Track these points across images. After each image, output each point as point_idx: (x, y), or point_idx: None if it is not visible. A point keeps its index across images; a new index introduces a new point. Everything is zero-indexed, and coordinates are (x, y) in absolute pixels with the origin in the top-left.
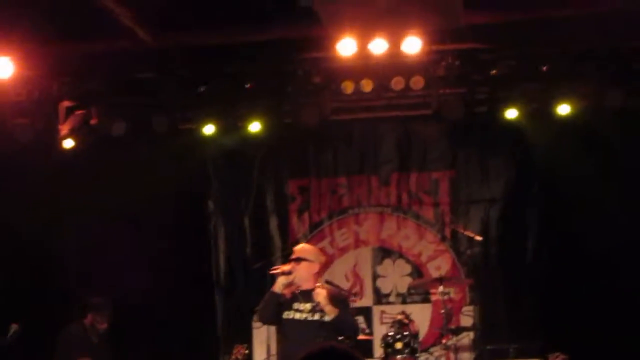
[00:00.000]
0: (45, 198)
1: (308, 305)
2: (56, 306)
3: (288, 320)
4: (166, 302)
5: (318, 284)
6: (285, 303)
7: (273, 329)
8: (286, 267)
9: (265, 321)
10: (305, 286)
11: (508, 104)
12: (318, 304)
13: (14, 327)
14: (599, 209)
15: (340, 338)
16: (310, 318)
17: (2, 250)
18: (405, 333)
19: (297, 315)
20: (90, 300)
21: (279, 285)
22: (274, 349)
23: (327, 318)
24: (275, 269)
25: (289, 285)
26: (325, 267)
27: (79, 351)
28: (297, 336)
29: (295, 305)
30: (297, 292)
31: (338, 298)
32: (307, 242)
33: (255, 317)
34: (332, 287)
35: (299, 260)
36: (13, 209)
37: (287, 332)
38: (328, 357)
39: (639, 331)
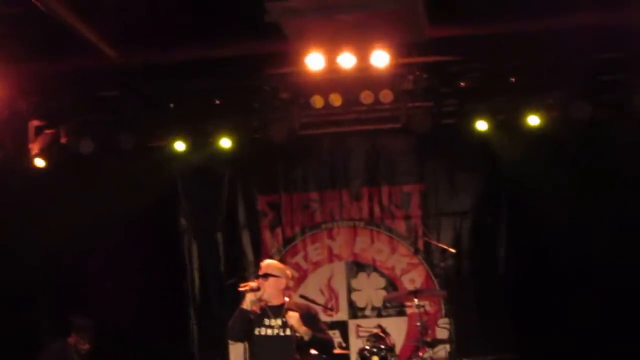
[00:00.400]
0: (16, 216)
1: (278, 321)
2: (25, 323)
3: (259, 336)
4: (140, 319)
5: (287, 301)
6: (256, 319)
7: None
8: (254, 284)
9: (235, 338)
10: (274, 302)
11: (476, 116)
12: (292, 327)
13: None
14: (568, 219)
15: (312, 352)
16: (282, 334)
17: None
18: (382, 346)
19: (269, 332)
20: (74, 320)
21: (247, 302)
22: None
23: (298, 334)
24: (243, 286)
25: (257, 301)
26: (299, 281)
27: None
28: (269, 352)
29: (266, 321)
30: (266, 307)
31: (308, 317)
32: (281, 257)
33: None
34: (303, 306)
35: (266, 276)
36: None
37: (259, 349)
38: None
39: (613, 339)
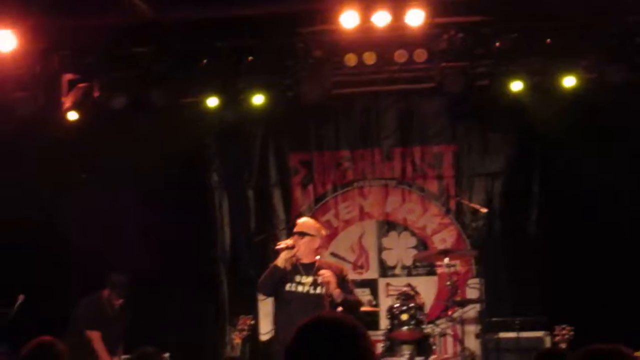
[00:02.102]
0: (48, 170)
1: (309, 279)
2: (59, 278)
3: (289, 292)
4: (171, 275)
5: (318, 259)
6: (287, 275)
7: None
8: (289, 242)
9: (267, 293)
10: (306, 260)
11: (510, 77)
12: (326, 287)
13: (20, 297)
14: (601, 181)
15: (339, 309)
16: (312, 292)
17: (9, 224)
18: (411, 305)
19: (300, 288)
20: (109, 275)
21: (281, 260)
22: None
23: (329, 294)
24: (280, 245)
25: (290, 258)
26: (330, 239)
27: (90, 324)
28: (298, 308)
29: (297, 278)
30: (298, 264)
31: (340, 278)
32: (312, 214)
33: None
34: (334, 267)
35: (302, 234)
36: (17, 182)
37: (288, 304)
38: (324, 327)
39: None
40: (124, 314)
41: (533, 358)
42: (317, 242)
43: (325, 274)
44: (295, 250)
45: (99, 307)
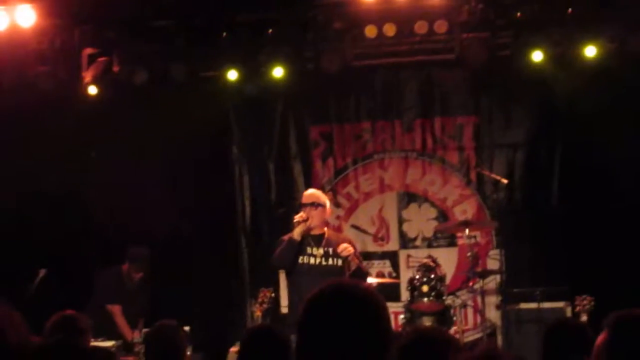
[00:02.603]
0: (69, 145)
1: (320, 250)
2: (85, 250)
3: (302, 265)
4: (192, 249)
5: (329, 234)
6: (299, 248)
7: None
8: (303, 214)
9: (286, 266)
10: (317, 231)
11: (531, 48)
12: (346, 258)
13: (42, 271)
14: (623, 152)
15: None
16: (324, 263)
17: (31, 198)
18: (432, 276)
19: (312, 260)
20: (130, 249)
21: (298, 233)
22: None
23: (340, 264)
24: (297, 218)
25: (304, 231)
26: (350, 211)
27: (111, 298)
28: (311, 280)
29: (308, 250)
30: (308, 236)
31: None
32: (332, 187)
33: None
34: (342, 238)
35: (315, 205)
36: (38, 157)
37: (301, 276)
38: (340, 294)
39: None
40: (144, 288)
41: (545, 330)
42: (327, 213)
43: (347, 248)
44: (309, 222)
45: (119, 281)
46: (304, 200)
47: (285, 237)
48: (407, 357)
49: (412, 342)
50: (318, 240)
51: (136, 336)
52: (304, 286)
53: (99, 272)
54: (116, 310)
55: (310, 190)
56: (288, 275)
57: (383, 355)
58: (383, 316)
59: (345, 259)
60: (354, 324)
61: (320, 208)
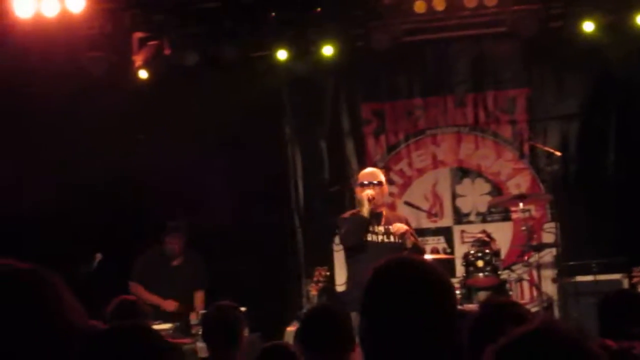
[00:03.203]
0: (121, 129)
1: (381, 228)
2: (136, 234)
3: (366, 242)
4: (247, 227)
5: (387, 212)
6: None
7: None
8: (371, 193)
9: (354, 244)
10: (378, 209)
11: (583, 18)
12: (403, 235)
13: (98, 256)
14: None
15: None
16: (386, 240)
17: (83, 182)
18: (487, 251)
19: (374, 238)
20: (168, 223)
21: (367, 210)
22: None
23: (401, 241)
24: (368, 196)
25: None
26: (404, 188)
27: (134, 276)
28: (373, 258)
29: (370, 228)
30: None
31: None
32: (385, 164)
33: (337, 241)
34: (399, 216)
35: (380, 183)
36: (90, 142)
37: (364, 254)
38: (407, 266)
39: None
40: (191, 261)
41: (601, 301)
42: (385, 191)
43: (400, 227)
44: (375, 200)
45: (148, 260)
46: (367, 178)
47: (346, 215)
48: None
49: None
50: (378, 218)
51: (193, 318)
52: (366, 263)
53: (143, 252)
54: (134, 288)
55: (370, 169)
56: (350, 253)
57: (450, 330)
58: (449, 290)
59: (402, 237)
60: (420, 297)
61: (383, 186)
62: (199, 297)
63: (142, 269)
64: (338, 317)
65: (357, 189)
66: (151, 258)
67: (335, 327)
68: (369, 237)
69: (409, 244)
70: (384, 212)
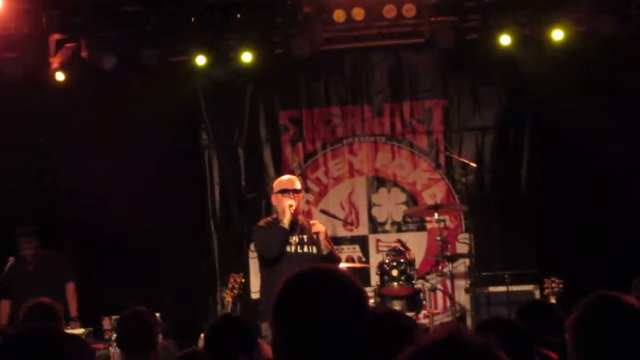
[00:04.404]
0: (37, 131)
1: (295, 238)
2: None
3: (282, 253)
4: (163, 234)
5: (302, 221)
6: None
7: None
8: (292, 201)
9: (273, 256)
10: (295, 218)
11: (500, 31)
12: (317, 240)
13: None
14: (591, 135)
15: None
16: (299, 250)
17: None
18: (402, 261)
19: (288, 248)
20: (15, 229)
21: (288, 220)
22: None
23: (315, 251)
24: (289, 205)
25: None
26: (320, 196)
27: (12, 287)
28: (287, 268)
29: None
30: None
31: (325, 233)
32: (302, 172)
33: (252, 247)
34: (316, 223)
35: (298, 191)
36: (5, 143)
37: (279, 265)
38: (316, 278)
39: (631, 254)
40: (44, 265)
41: (516, 310)
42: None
43: (319, 227)
44: (296, 209)
45: (10, 270)
46: (286, 185)
47: (261, 224)
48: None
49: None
50: (293, 227)
51: (106, 323)
52: (279, 274)
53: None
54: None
55: (288, 176)
56: (264, 263)
57: (363, 338)
58: (361, 298)
59: (318, 246)
60: (331, 306)
61: (301, 194)
62: (68, 290)
63: (5, 281)
64: (242, 325)
65: (277, 197)
66: (11, 268)
67: (239, 337)
68: (285, 248)
69: (324, 250)
70: (300, 221)
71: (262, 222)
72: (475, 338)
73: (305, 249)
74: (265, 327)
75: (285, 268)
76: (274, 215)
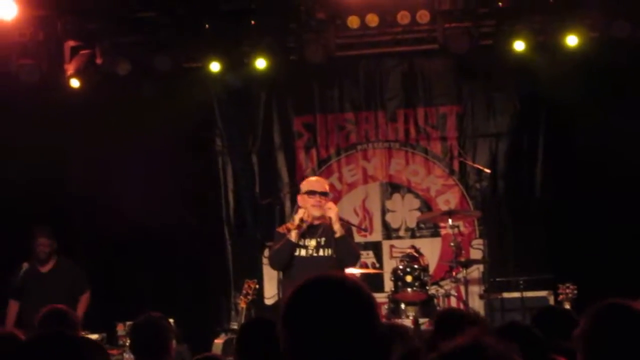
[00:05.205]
0: (52, 138)
1: (313, 242)
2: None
3: (294, 257)
4: (177, 240)
5: (324, 222)
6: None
7: None
8: (306, 212)
9: (280, 267)
10: (316, 221)
11: (514, 36)
12: (329, 219)
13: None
14: (606, 140)
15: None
16: (315, 254)
17: (14, 188)
18: (415, 266)
19: (303, 252)
20: (32, 228)
21: (296, 234)
22: None
23: (331, 253)
24: (299, 219)
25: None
26: (334, 202)
27: (23, 289)
28: (303, 273)
29: (301, 242)
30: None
31: (344, 222)
32: None
33: (267, 253)
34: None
35: (326, 194)
36: (21, 149)
37: (293, 269)
38: (326, 285)
39: None
40: (59, 270)
41: (531, 316)
42: (328, 201)
43: (330, 206)
44: (309, 216)
45: (17, 273)
46: (314, 187)
47: (282, 230)
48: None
49: None
50: (314, 231)
51: (120, 329)
52: (294, 278)
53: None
54: (10, 307)
55: (316, 177)
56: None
57: (373, 345)
58: (372, 306)
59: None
60: (342, 315)
61: (327, 197)
62: (82, 301)
63: (18, 283)
64: (274, 329)
65: (303, 197)
66: (25, 272)
67: (272, 339)
68: (298, 252)
69: (337, 230)
70: (323, 224)
71: (282, 228)
72: (498, 345)
73: (321, 252)
74: None
75: (299, 272)
76: (292, 221)
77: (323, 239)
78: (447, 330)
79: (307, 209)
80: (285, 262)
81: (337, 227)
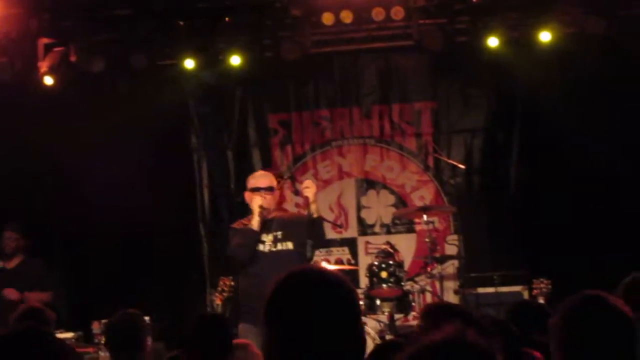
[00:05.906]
0: (26, 135)
1: (270, 236)
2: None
3: (255, 253)
4: (152, 237)
5: (275, 216)
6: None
7: None
8: (262, 201)
9: (244, 260)
10: (269, 216)
11: (489, 33)
12: (306, 198)
13: None
14: (580, 136)
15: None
16: (274, 249)
17: None
18: (391, 262)
19: (261, 247)
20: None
21: (257, 223)
22: None
23: (291, 247)
24: (259, 207)
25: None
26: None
27: None
28: (262, 269)
29: (259, 237)
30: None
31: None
32: (291, 174)
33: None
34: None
35: (271, 189)
36: None
37: (253, 265)
38: (308, 279)
39: (620, 254)
40: (25, 267)
41: (506, 311)
42: (278, 195)
43: (308, 184)
44: (266, 207)
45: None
46: (259, 184)
47: (236, 225)
48: None
49: None
50: (268, 225)
51: (95, 327)
52: (255, 274)
53: None
54: None
55: (261, 172)
56: (238, 265)
57: (355, 338)
58: (354, 299)
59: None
60: (325, 307)
61: (274, 192)
62: (42, 297)
63: None
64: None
65: (248, 195)
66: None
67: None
68: (257, 247)
69: (314, 211)
70: (277, 216)
71: (237, 224)
72: (479, 340)
73: (280, 246)
74: (242, 327)
75: (261, 269)
76: (250, 216)
77: (280, 233)
78: (434, 324)
79: (252, 207)
80: (251, 254)
81: (314, 207)
